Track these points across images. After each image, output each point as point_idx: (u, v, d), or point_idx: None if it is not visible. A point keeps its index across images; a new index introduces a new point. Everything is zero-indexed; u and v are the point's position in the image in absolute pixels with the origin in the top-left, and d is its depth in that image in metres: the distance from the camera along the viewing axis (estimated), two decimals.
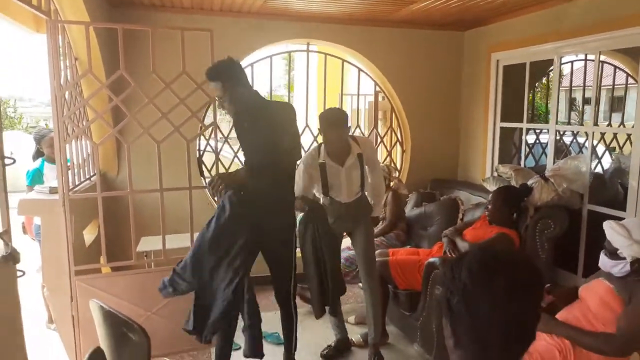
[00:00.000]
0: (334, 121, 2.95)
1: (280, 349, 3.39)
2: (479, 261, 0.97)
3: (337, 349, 3.38)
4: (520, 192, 3.49)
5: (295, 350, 3.00)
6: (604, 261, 2.25)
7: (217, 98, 2.78)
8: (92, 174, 3.73)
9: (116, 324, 1.76)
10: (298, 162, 2.99)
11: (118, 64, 3.05)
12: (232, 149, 4.53)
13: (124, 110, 3.09)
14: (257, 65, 4.56)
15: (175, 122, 3.19)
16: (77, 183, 3.31)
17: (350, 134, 3.13)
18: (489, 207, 3.46)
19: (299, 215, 3.00)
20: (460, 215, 4.01)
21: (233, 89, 2.65)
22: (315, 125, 4.90)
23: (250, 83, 2.81)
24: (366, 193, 3.29)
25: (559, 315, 2.33)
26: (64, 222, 2.87)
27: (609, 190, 4.03)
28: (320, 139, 3.34)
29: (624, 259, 2.14)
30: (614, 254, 2.18)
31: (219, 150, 3.37)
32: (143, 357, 1.64)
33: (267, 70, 4.57)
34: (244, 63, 4.42)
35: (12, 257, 1.91)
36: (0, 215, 1.97)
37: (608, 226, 2.22)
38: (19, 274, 2.02)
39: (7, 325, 1.96)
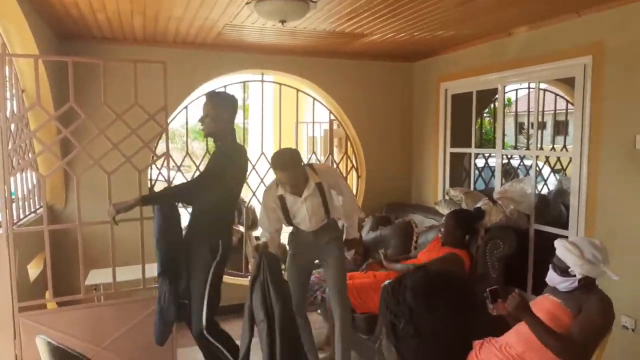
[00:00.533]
0: (282, 164, 2.91)
1: None
2: (420, 283, 1.01)
3: None
4: (473, 216, 3.60)
5: None
6: (552, 277, 2.31)
7: None
8: (37, 207, 3.62)
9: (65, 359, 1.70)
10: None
11: (67, 95, 3.01)
12: (184, 177, 4.51)
13: (74, 142, 3.03)
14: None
15: (126, 152, 3.15)
16: (21, 217, 3.20)
17: (305, 162, 3.14)
18: (442, 229, 3.55)
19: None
20: (415, 238, 4.09)
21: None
22: (270, 153, 4.94)
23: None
24: (336, 217, 3.25)
25: (509, 333, 2.39)
26: (7, 258, 2.76)
27: (553, 210, 4.21)
28: None
29: (574, 276, 2.22)
30: (564, 272, 2.23)
31: (171, 179, 3.33)
32: None
33: None
34: (198, 92, 4.45)
35: None
36: None
37: (561, 245, 2.26)
38: None
39: None
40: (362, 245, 4.06)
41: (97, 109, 3.14)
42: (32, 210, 3.52)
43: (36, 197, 3.65)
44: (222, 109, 2.84)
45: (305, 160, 3.34)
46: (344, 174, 5.17)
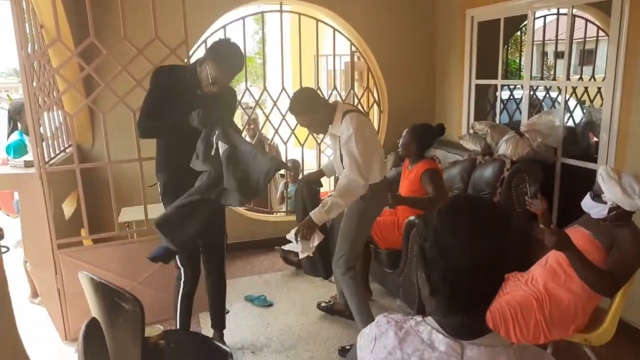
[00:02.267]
0: (290, 109, 2.77)
1: (269, 311, 3.49)
2: (447, 205, 1.03)
3: (333, 309, 3.37)
4: (429, 130, 3.51)
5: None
6: (586, 201, 2.32)
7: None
8: (66, 146, 3.66)
9: (108, 294, 1.77)
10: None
11: (86, 31, 2.96)
12: None
13: (97, 79, 3.01)
14: (229, 28, 4.47)
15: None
16: (52, 156, 3.24)
17: (333, 101, 2.97)
18: (399, 143, 3.50)
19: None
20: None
21: None
22: (290, 88, 4.86)
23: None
24: None
25: (535, 267, 2.43)
26: (42, 196, 2.83)
27: (581, 143, 4.14)
28: None
29: (605, 203, 2.21)
30: (598, 197, 2.25)
31: None
32: (137, 325, 1.66)
33: (239, 32, 4.48)
34: (217, 25, 4.33)
35: None
36: None
37: (603, 169, 2.26)
38: (3, 249, 2.00)
39: None
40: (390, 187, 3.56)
41: (118, 44, 3.09)
42: (61, 149, 3.56)
43: (64, 136, 3.67)
44: None
45: (326, 97, 3.19)
46: (366, 109, 5.08)
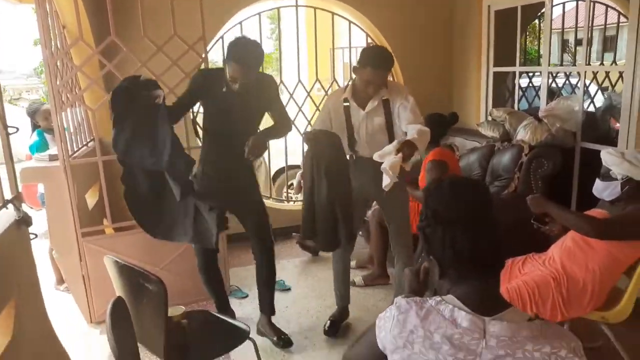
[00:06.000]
0: (386, 60, 2.58)
1: (287, 295, 3.54)
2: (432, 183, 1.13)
3: (339, 320, 3.08)
4: (446, 119, 3.50)
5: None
6: (597, 185, 2.34)
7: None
8: (88, 141, 3.77)
9: (132, 276, 1.84)
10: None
11: (106, 29, 3.05)
12: None
13: (118, 76, 3.09)
14: (245, 24, 4.52)
15: (169, 84, 3.20)
16: (75, 150, 3.35)
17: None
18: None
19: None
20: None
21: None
22: (306, 80, 4.90)
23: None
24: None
25: (553, 248, 2.43)
26: (67, 188, 2.94)
27: (601, 127, 4.09)
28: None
29: (615, 179, 2.22)
30: (606, 176, 2.27)
31: None
32: (161, 304, 1.73)
33: (254, 28, 4.53)
34: (233, 21, 4.39)
35: (25, 220, 1.97)
36: (8, 182, 2.02)
37: (604, 151, 2.31)
38: (32, 236, 2.09)
39: (26, 287, 2.03)
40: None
41: (138, 42, 3.18)
42: (84, 143, 3.67)
43: (85, 131, 3.78)
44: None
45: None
46: None
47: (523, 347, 0.95)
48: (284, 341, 2.87)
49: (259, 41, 2.73)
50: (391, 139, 2.69)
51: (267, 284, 2.94)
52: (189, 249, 3.07)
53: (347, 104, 2.72)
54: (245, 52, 2.52)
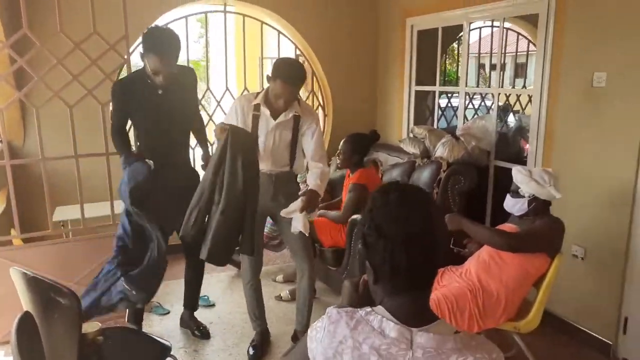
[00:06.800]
0: (294, 77, 2.53)
1: (211, 311, 3.45)
2: (378, 187, 1.13)
3: (260, 344, 2.97)
4: (367, 138, 3.65)
5: None
6: (507, 201, 2.57)
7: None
8: None
9: (42, 289, 1.70)
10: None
11: (19, 22, 2.84)
12: None
13: (30, 73, 2.89)
14: (172, 26, 4.39)
15: (88, 85, 3.03)
16: None
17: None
18: (339, 155, 3.56)
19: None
20: (380, 175, 4.19)
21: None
22: (235, 89, 4.83)
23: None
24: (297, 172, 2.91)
25: (469, 261, 2.56)
26: None
27: (512, 147, 4.38)
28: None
29: (524, 196, 2.42)
30: (515, 193, 2.49)
31: None
32: (75, 320, 1.61)
33: (181, 32, 4.42)
34: (159, 23, 4.24)
35: None
36: None
37: (515, 169, 2.54)
38: None
39: None
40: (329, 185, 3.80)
41: (54, 38, 3.00)
42: None
43: None
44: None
45: None
46: None
47: (448, 359, 0.99)
48: (202, 332, 3.08)
49: (186, 44, 2.70)
50: (292, 157, 2.75)
51: (191, 283, 3.13)
52: (103, 262, 2.90)
53: (258, 112, 2.65)
54: (161, 41, 2.48)
